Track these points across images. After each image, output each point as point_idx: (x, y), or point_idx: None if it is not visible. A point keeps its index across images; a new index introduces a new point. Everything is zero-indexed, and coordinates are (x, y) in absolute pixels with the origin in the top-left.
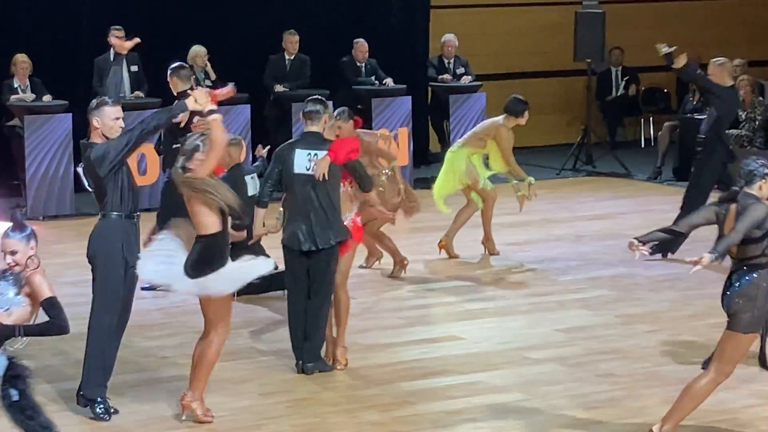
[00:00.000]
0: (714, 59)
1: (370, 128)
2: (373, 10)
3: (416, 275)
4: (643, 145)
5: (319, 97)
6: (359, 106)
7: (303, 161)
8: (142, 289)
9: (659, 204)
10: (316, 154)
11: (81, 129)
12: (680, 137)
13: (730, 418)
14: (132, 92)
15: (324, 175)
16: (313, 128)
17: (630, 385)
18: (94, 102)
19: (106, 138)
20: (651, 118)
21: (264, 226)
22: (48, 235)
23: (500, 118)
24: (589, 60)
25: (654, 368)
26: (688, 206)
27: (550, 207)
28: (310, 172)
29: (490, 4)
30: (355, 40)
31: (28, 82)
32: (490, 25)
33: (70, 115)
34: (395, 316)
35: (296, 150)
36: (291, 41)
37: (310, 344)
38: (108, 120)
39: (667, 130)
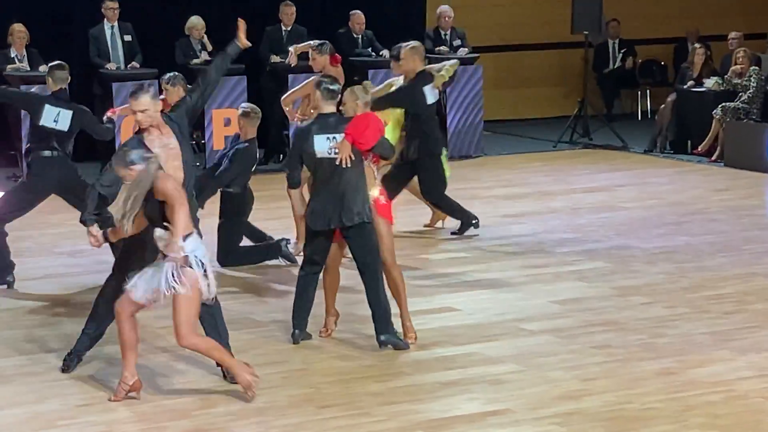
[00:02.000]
0: (406, 44)
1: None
2: None
3: (412, 247)
4: (639, 118)
5: (333, 76)
6: (356, 78)
7: (324, 145)
8: None
9: (655, 177)
10: (334, 137)
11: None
12: (677, 109)
13: (725, 389)
14: (126, 62)
15: (347, 159)
16: (329, 109)
17: (625, 356)
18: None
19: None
20: (648, 91)
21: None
22: (44, 206)
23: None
24: (587, 32)
25: (649, 340)
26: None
27: (546, 179)
28: (332, 155)
29: None
30: (351, 12)
31: (24, 52)
32: None
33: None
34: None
35: (314, 136)
36: (287, 13)
37: (378, 317)
38: None
39: (671, 104)
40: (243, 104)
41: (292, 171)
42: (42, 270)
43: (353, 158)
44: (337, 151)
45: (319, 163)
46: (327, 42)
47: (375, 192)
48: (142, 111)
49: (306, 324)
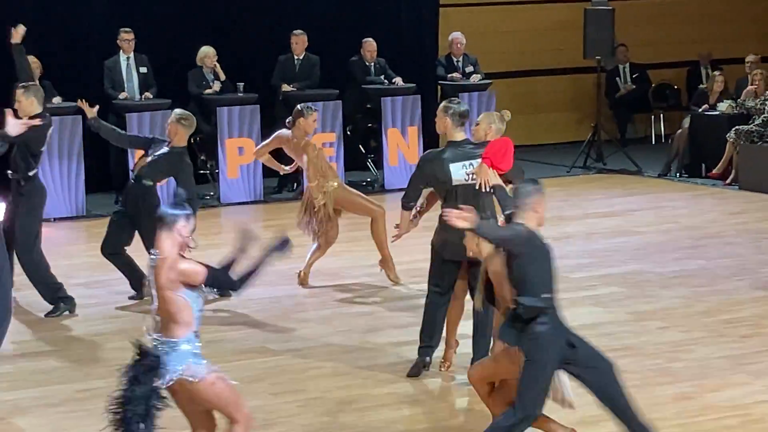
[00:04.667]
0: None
1: (379, 128)
2: (381, 9)
3: (426, 273)
4: (653, 142)
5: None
6: (368, 106)
7: (460, 173)
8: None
9: (670, 201)
10: (471, 164)
11: (89, 130)
12: (691, 133)
13: (743, 413)
14: (141, 93)
15: (486, 183)
16: (460, 136)
17: (642, 381)
18: None
19: None
20: (661, 115)
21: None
22: (59, 237)
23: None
24: (599, 57)
25: (666, 365)
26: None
27: (560, 204)
28: (471, 181)
29: (499, 2)
30: (363, 40)
31: (38, 84)
32: (499, 23)
33: (80, 116)
34: (406, 315)
35: (449, 164)
36: (298, 42)
37: (477, 350)
38: None
39: (687, 129)
40: (177, 110)
41: (411, 194)
42: None
43: (491, 183)
44: (474, 176)
45: (452, 190)
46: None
47: (501, 218)
48: None
49: (433, 351)
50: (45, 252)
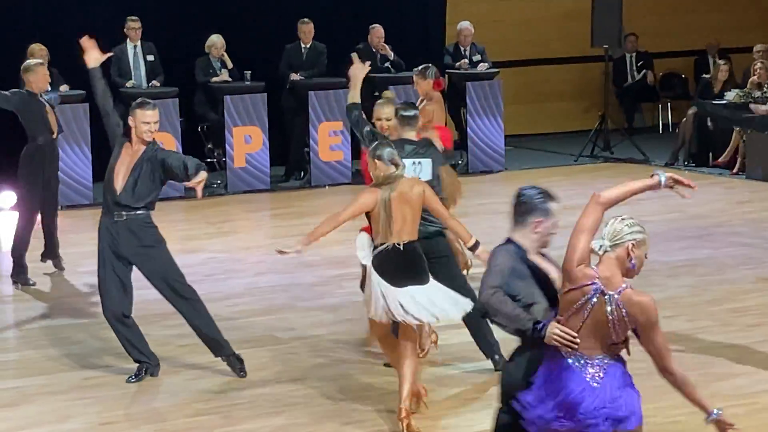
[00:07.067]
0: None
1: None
2: None
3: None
4: (660, 131)
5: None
6: (376, 93)
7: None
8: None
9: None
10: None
11: (98, 118)
12: (698, 122)
13: (749, 402)
14: (148, 82)
15: None
16: (409, 135)
17: (648, 370)
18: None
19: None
20: (668, 104)
21: None
22: (65, 225)
23: None
24: (607, 46)
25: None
26: None
27: (567, 193)
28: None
29: None
30: (371, 26)
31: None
32: (507, 11)
33: (88, 104)
34: None
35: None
36: (305, 30)
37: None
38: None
39: (692, 117)
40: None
41: None
42: (63, 289)
43: None
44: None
45: None
46: (431, 66)
47: None
48: (154, 123)
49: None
50: None
